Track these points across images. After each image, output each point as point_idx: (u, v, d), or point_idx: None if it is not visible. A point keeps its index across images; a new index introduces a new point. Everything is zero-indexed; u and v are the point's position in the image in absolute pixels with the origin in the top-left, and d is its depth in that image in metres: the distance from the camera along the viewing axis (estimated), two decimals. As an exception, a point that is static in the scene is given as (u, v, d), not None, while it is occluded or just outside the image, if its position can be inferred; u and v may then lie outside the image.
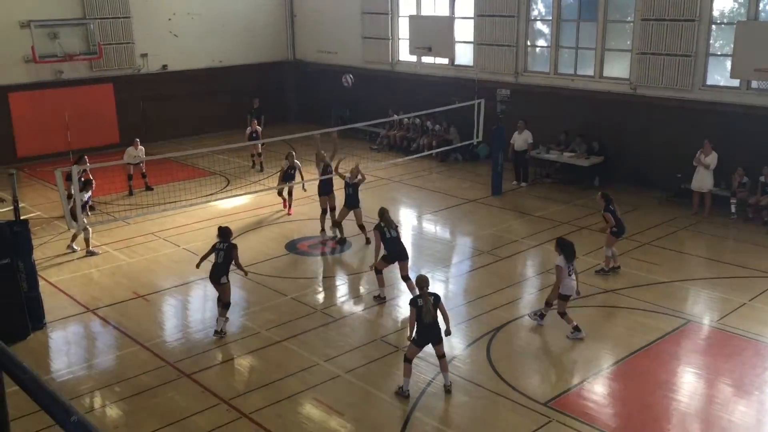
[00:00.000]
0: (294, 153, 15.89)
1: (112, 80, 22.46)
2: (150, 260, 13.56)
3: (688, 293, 11.87)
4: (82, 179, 13.72)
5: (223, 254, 10.43)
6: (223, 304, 10.50)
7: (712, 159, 15.21)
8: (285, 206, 16.15)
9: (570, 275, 10.09)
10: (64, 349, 10.47)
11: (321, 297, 12.05)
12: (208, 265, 10.73)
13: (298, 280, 12.59)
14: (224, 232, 10.62)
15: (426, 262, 13.41)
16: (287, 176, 15.61)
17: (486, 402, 8.71)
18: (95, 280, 12.69)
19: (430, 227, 15.97)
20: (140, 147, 17.57)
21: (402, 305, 11.56)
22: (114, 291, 12.17)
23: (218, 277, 10.41)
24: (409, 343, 8.87)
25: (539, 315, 10.67)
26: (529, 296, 11.90)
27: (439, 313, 8.73)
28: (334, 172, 14.48)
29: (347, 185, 14.05)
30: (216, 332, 10.44)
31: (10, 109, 20.67)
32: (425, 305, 8.55)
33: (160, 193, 17.13)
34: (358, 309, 11.54)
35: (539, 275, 12.80)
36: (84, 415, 1.97)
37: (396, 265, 11.39)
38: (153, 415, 8.51)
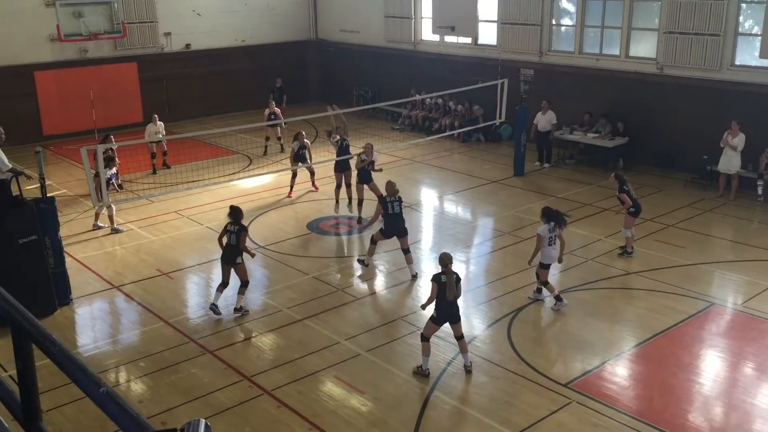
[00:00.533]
0: (303, 133, 15.88)
1: (135, 59, 22.55)
2: (174, 238, 13.70)
3: (713, 276, 11.75)
4: (106, 157, 13.93)
5: (235, 237, 10.39)
6: (241, 282, 10.58)
7: (739, 140, 14.97)
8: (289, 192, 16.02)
9: (551, 244, 10.27)
10: (90, 325, 10.66)
11: (342, 276, 12.10)
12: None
13: (320, 259, 12.65)
14: (235, 213, 10.49)
15: (447, 243, 13.39)
16: (298, 157, 15.64)
17: (506, 382, 8.73)
18: (120, 257, 12.85)
19: (452, 208, 15.93)
20: (159, 123, 17.63)
21: (423, 285, 11.58)
22: (138, 268, 12.32)
23: (233, 258, 10.44)
24: (427, 321, 8.90)
25: (537, 290, 10.80)
26: (551, 277, 11.82)
27: None
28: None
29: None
30: (235, 309, 10.55)
31: (36, 88, 20.87)
32: (448, 282, 8.56)
33: (183, 171, 17.23)
34: (379, 288, 11.58)
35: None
36: (113, 388, 2.00)
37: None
38: (177, 390, 8.64)
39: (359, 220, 14.17)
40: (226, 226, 10.57)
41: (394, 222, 11.49)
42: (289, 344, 9.73)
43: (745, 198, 15.08)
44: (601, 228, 13.68)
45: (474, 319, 10.54)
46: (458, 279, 8.77)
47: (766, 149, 14.96)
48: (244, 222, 10.71)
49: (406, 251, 11.56)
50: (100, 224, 14.01)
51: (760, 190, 14.99)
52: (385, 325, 10.18)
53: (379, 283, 11.84)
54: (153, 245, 13.37)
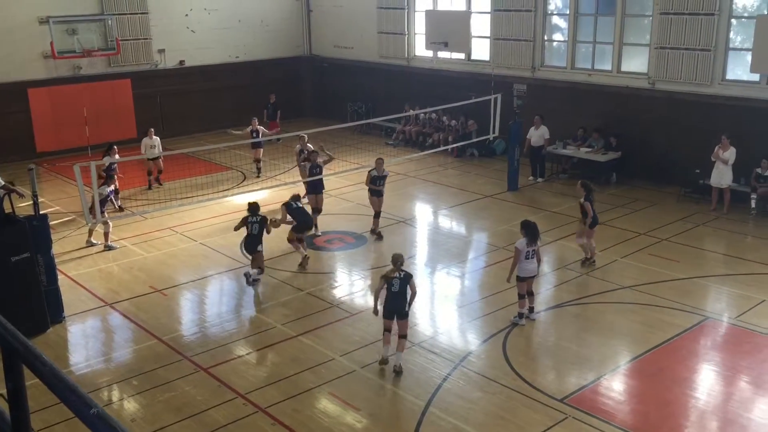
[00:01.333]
0: (306, 136, 16.02)
1: (129, 76, 22.59)
2: (167, 255, 13.64)
3: (707, 290, 11.76)
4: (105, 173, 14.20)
5: (257, 226, 11.77)
6: (258, 270, 11.85)
7: (730, 154, 15.04)
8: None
9: (529, 258, 10.30)
10: (83, 343, 10.57)
11: (337, 292, 12.06)
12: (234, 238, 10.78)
13: (314, 275, 12.61)
14: (255, 207, 12.00)
15: (441, 258, 13.39)
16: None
17: (502, 398, 8.69)
18: (113, 275, 12.79)
19: (446, 223, 15.94)
20: (155, 137, 17.62)
21: (417, 300, 11.57)
22: (132, 285, 12.26)
23: (254, 246, 11.81)
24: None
25: (529, 310, 10.66)
26: (546, 292, 11.85)
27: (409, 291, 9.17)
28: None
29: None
30: (246, 274, 11.82)
31: (30, 105, 20.85)
32: (394, 280, 9.07)
33: (177, 188, 17.22)
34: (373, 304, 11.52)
35: (555, 271, 12.74)
36: (103, 408, 1.98)
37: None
38: (170, 408, 8.57)
39: (374, 231, 14.13)
40: (246, 218, 11.90)
41: (300, 215, 11.71)
42: (283, 361, 9.67)
43: (738, 212, 15.13)
44: (598, 241, 13.67)
45: (469, 335, 10.51)
46: (407, 277, 9.14)
47: (763, 160, 15.00)
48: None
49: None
50: (94, 241, 13.95)
51: (753, 203, 15.06)
52: (379, 341, 10.10)
53: (372, 298, 11.78)
54: (146, 262, 13.32)
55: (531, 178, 18.18)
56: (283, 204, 12.77)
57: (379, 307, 9.29)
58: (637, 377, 9.26)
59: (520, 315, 10.49)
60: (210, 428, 8.12)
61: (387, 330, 9.27)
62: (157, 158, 17.62)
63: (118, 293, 11.92)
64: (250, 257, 12.11)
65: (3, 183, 10.82)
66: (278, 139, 21.66)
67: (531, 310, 10.64)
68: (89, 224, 13.53)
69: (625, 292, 11.59)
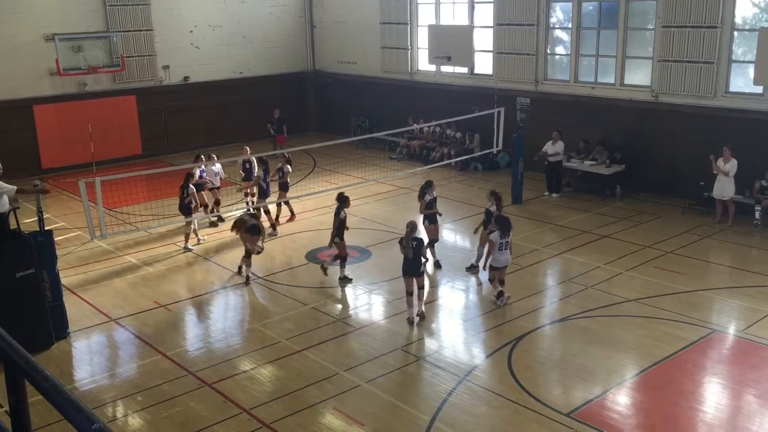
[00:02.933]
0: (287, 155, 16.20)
1: (134, 92, 22.72)
2: (172, 270, 13.65)
3: (713, 302, 11.71)
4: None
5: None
6: (341, 258, 12.63)
7: (731, 166, 14.99)
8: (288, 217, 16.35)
9: (502, 249, 11.24)
10: (87, 358, 10.56)
11: (341, 306, 12.05)
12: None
13: (318, 289, 12.60)
14: (344, 198, 12.71)
15: (446, 271, 13.36)
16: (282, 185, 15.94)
17: (507, 412, 8.64)
18: (118, 290, 12.80)
19: (450, 236, 15.91)
20: (217, 164, 16.24)
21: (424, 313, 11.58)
22: (136, 300, 12.26)
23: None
24: None
25: (497, 296, 11.49)
26: (551, 305, 11.81)
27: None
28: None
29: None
30: (342, 278, 12.58)
31: (35, 121, 20.98)
32: (407, 245, 10.72)
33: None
34: (378, 318, 11.52)
35: (560, 284, 12.71)
36: (106, 423, 1.98)
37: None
38: (174, 424, 8.54)
39: (436, 264, 13.43)
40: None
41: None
42: (288, 376, 9.65)
43: (743, 224, 15.09)
44: (599, 255, 13.66)
45: (474, 349, 10.47)
46: (420, 243, 10.92)
47: (766, 173, 14.97)
48: None
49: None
50: (191, 246, 14.57)
51: (757, 215, 15.00)
52: (384, 356, 10.11)
53: (379, 313, 11.79)
54: (151, 277, 13.33)
55: (546, 193, 18.08)
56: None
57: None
58: (643, 391, 9.20)
59: (501, 294, 11.43)
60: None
61: (409, 293, 10.85)
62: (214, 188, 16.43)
63: (122, 308, 11.93)
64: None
65: (16, 188, 10.73)
66: (287, 154, 21.66)
67: (501, 294, 11.48)
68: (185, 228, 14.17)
69: (631, 305, 11.54)
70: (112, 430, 1.94)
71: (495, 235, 11.34)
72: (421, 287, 11.05)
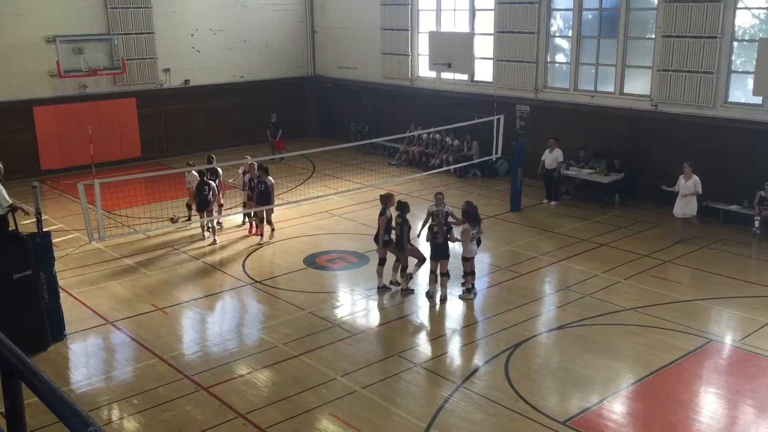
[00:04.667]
0: (252, 163, 15.37)
1: (135, 95, 22.74)
2: (170, 273, 13.63)
3: (711, 312, 11.70)
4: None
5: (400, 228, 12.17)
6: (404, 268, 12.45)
7: (693, 183, 14.60)
8: (253, 231, 15.62)
9: (472, 241, 11.82)
10: (84, 361, 10.53)
11: (338, 311, 12.03)
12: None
13: (316, 294, 12.58)
14: (403, 205, 12.30)
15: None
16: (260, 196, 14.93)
17: (503, 419, 8.62)
18: (115, 292, 12.78)
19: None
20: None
21: (421, 319, 11.55)
22: (133, 303, 12.25)
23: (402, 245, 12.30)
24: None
25: (466, 291, 12.12)
26: (548, 313, 11.80)
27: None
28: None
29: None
30: (403, 290, 12.36)
31: (35, 123, 20.98)
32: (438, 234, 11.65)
33: (177, 206, 17.16)
34: (376, 324, 11.51)
35: (558, 292, 12.71)
36: (102, 426, 1.97)
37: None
38: (170, 428, 8.52)
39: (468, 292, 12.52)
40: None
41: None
42: (284, 380, 9.62)
43: (742, 234, 15.09)
44: (598, 263, 13.67)
45: (471, 355, 10.46)
46: (450, 228, 11.75)
47: (765, 184, 14.95)
48: None
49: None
50: (216, 239, 15.06)
51: (756, 224, 15.01)
52: (381, 361, 10.09)
53: (374, 318, 11.78)
54: (148, 280, 13.31)
55: (545, 201, 18.10)
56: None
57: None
58: (640, 400, 9.18)
59: (469, 291, 12.09)
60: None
61: (433, 271, 11.85)
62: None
63: (119, 311, 11.91)
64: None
65: (10, 201, 10.80)
66: (281, 159, 21.74)
67: (472, 287, 12.14)
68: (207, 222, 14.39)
69: (628, 314, 11.53)
70: (107, 433, 1.94)
71: (466, 226, 11.90)
72: (444, 273, 11.89)
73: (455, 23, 22.18)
